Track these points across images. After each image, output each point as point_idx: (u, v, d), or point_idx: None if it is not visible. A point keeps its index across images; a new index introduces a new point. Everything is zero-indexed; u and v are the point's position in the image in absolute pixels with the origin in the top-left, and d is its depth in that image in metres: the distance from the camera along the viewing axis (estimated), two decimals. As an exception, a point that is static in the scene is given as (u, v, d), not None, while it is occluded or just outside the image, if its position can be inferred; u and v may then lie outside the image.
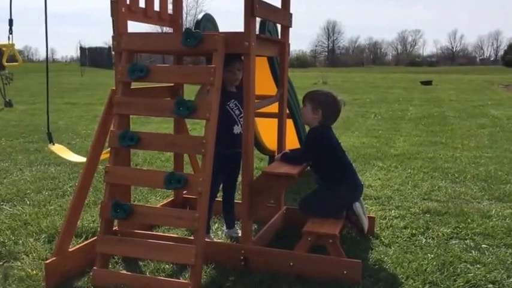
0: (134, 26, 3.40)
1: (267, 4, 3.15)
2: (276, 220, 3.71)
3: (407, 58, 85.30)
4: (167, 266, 3.10)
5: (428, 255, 3.31)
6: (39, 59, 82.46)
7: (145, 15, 3.43)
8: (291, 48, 3.86)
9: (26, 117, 10.51)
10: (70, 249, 3.04)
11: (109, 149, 3.03)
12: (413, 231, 3.78)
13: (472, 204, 4.49)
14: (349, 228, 3.60)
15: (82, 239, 3.52)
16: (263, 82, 4.22)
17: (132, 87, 3.13)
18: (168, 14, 3.70)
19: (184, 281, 2.86)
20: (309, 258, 3.03)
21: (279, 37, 3.96)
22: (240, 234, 3.45)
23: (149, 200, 4.56)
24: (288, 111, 4.36)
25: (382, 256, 3.30)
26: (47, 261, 2.87)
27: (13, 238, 3.56)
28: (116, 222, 3.22)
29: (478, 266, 3.16)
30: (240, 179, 3.31)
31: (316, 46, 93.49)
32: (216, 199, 3.72)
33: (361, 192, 3.54)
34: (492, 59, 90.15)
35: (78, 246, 3.16)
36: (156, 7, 3.53)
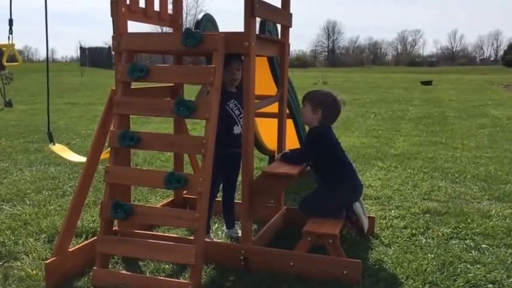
0: (134, 26, 3.40)
1: (267, 4, 3.15)
2: (276, 220, 3.71)
3: (407, 58, 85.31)
4: (167, 266, 3.10)
5: (428, 255, 3.31)
6: (39, 59, 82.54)
7: (145, 15, 3.43)
8: (291, 48, 3.86)
9: (26, 117, 10.51)
10: (70, 249, 3.04)
11: (109, 149, 3.04)
12: (413, 231, 3.78)
13: (472, 204, 4.49)
14: (349, 228, 3.60)
15: (82, 239, 3.52)
16: (263, 82, 4.22)
17: (132, 87, 3.14)
18: (168, 14, 3.70)
19: (184, 281, 2.86)
20: (309, 258, 3.03)
21: (279, 37, 3.96)
22: (240, 234, 3.45)
23: (149, 200, 4.56)
24: (288, 111, 4.36)
25: (382, 256, 3.30)
26: (47, 261, 2.87)
27: (13, 238, 3.56)
28: (116, 222, 3.22)
29: (478, 266, 3.16)
30: (240, 179, 3.31)
31: (316, 46, 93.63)
32: (216, 199, 3.72)
33: (361, 192, 3.54)
34: (492, 59, 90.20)
35: (78, 246, 3.16)
36: (156, 7, 3.52)
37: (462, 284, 2.92)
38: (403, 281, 2.96)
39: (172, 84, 3.62)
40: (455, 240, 3.64)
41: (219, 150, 2.94)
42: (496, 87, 22.70)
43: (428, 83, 23.85)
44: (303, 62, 65.78)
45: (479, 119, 10.76)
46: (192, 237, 3.09)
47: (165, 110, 3.01)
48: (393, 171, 5.77)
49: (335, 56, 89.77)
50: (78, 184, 3.13)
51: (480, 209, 4.34)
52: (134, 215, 2.88)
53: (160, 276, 2.99)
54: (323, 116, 3.38)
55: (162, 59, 21.57)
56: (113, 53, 3.30)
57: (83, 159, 3.70)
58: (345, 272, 2.91)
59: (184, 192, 4.05)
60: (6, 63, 4.34)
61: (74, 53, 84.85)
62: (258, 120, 4.36)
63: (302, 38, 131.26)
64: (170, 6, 3.75)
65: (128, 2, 3.20)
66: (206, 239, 3.06)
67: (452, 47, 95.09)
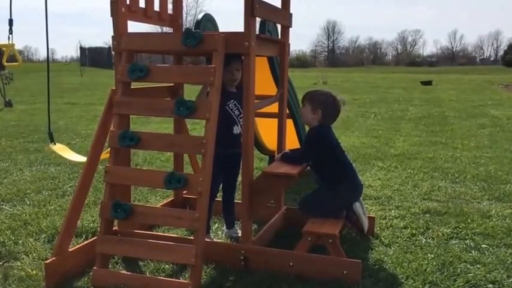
0: (134, 26, 3.40)
1: (267, 4, 3.15)
2: (276, 220, 3.71)
3: (407, 58, 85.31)
4: (167, 266, 3.10)
5: (428, 255, 3.31)
6: (39, 59, 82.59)
7: (145, 15, 3.43)
8: (291, 48, 3.86)
9: (26, 117, 10.51)
10: (70, 249, 3.04)
11: (109, 149, 3.04)
12: (413, 231, 3.78)
13: (472, 204, 4.49)
14: (349, 228, 3.60)
15: (82, 239, 3.52)
16: (263, 82, 4.22)
17: (132, 87, 3.14)
18: (168, 14, 3.70)
19: (184, 281, 2.86)
20: (309, 258, 3.03)
21: (279, 37, 3.96)
22: (240, 234, 3.45)
23: (149, 200, 4.56)
24: (288, 111, 4.36)
25: (382, 256, 3.30)
26: (47, 261, 2.87)
27: (13, 238, 3.56)
28: (116, 222, 3.22)
29: (478, 266, 3.16)
30: (240, 179, 3.31)
31: (316, 46, 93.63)
32: (216, 199, 3.72)
33: (361, 192, 3.54)
34: (492, 59, 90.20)
35: (78, 246, 3.16)
36: (156, 7, 3.52)
37: (462, 284, 2.92)
38: (403, 281, 2.96)
39: (172, 84, 3.62)
40: (455, 240, 3.64)
41: (219, 150, 2.94)
42: (496, 87, 22.70)
43: (428, 83, 23.85)
44: (303, 62, 65.78)
45: (479, 119, 10.76)
46: (192, 237, 3.09)
47: (165, 110, 3.01)
48: (393, 171, 5.77)
49: (335, 56, 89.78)
50: (78, 184, 3.13)
51: (480, 209, 4.34)
52: (134, 215, 2.88)
53: (160, 276, 2.99)
54: (323, 116, 3.38)
55: (162, 59, 21.57)
56: (113, 53, 3.30)
57: (84, 159, 3.70)
58: (345, 272, 2.91)
59: (184, 192, 4.05)
60: (6, 63, 4.34)
61: (74, 53, 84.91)
62: (258, 120, 4.36)
63: (302, 38, 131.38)
64: (170, 6, 3.75)
65: (127, 2, 3.20)
66: (206, 239, 3.06)
67: (452, 47, 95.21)
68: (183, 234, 3.68)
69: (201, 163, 2.99)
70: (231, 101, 3.45)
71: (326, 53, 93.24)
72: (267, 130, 5.15)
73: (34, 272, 2.98)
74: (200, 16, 3.94)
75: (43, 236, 3.60)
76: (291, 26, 3.67)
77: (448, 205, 4.41)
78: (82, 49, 47.92)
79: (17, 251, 3.33)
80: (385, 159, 6.42)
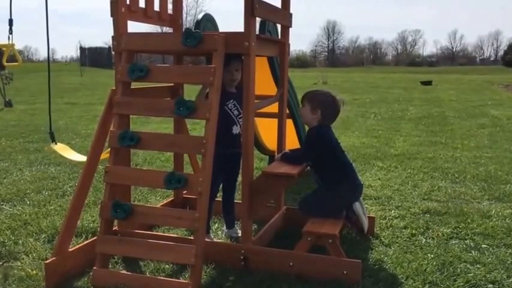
0: (134, 26, 3.41)
1: (267, 4, 3.15)
2: (276, 220, 3.71)
3: (407, 58, 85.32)
4: (167, 266, 3.10)
5: (428, 255, 3.31)
6: (39, 59, 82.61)
7: (145, 15, 3.43)
8: (291, 48, 3.86)
9: (26, 117, 10.51)
10: (70, 249, 3.04)
11: (109, 149, 3.04)
12: (413, 231, 3.78)
13: (472, 204, 4.50)
14: (349, 228, 3.60)
15: (82, 239, 3.52)
16: (263, 82, 4.22)
17: (132, 87, 3.14)
18: (168, 14, 3.70)
19: (184, 281, 2.86)
20: (309, 258, 3.03)
21: (279, 37, 3.96)
22: (240, 234, 3.45)
23: (149, 200, 4.56)
24: (288, 111, 4.36)
25: (382, 256, 3.30)
26: (47, 261, 2.87)
27: (13, 238, 3.56)
28: (116, 222, 3.22)
29: (478, 266, 3.16)
30: (240, 179, 3.31)
31: (316, 46, 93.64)
32: (216, 199, 3.72)
33: (361, 192, 3.54)
34: (492, 59, 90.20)
35: (78, 246, 3.16)
36: (156, 7, 3.53)
37: (462, 284, 2.92)
38: (403, 281, 2.96)
39: (172, 84, 3.62)
40: (455, 240, 3.64)
41: (218, 150, 2.94)
42: (496, 87, 22.70)
43: (428, 83, 23.85)
44: (303, 62, 65.79)
45: (479, 119, 10.76)
46: (192, 237, 3.09)
47: (165, 110, 3.01)
48: (393, 171, 5.77)
49: (335, 56, 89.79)
50: (78, 184, 3.13)
51: (480, 209, 4.34)
52: (134, 215, 2.88)
53: (160, 276, 2.99)
54: (322, 116, 3.38)
55: (162, 59, 21.57)
56: (113, 53, 3.30)
57: (85, 158, 3.70)
58: (345, 272, 2.91)
59: (184, 192, 4.05)
60: (6, 63, 4.34)
61: (74, 53, 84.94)
62: (258, 120, 4.36)
63: (302, 38, 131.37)
64: (170, 6, 3.75)
65: (127, 2, 3.21)
66: (206, 239, 3.06)
67: (452, 47, 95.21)
68: (183, 234, 3.68)
69: (201, 163, 2.99)
70: (230, 101, 3.45)
71: (326, 53, 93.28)
72: (267, 130, 5.14)
73: (34, 272, 2.98)
74: (200, 16, 3.94)
75: (43, 236, 3.60)
76: (291, 26, 3.67)
77: (448, 205, 4.41)
78: (82, 49, 47.96)
79: (17, 251, 3.33)
80: (385, 159, 6.42)
